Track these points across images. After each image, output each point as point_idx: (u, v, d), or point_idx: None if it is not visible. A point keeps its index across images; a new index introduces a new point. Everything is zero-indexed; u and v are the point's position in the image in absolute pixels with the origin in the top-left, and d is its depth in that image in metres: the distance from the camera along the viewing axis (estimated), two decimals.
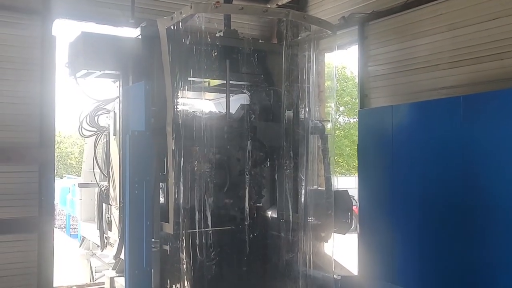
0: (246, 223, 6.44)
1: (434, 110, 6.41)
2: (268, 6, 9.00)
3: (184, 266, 5.78)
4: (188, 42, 6.03)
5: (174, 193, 5.79)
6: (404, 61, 7.48)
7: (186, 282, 5.80)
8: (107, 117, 7.03)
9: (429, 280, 6.30)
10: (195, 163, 6.10)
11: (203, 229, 5.98)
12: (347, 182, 22.83)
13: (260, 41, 8.11)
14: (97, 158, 7.42)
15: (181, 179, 5.83)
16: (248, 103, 6.68)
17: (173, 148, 5.77)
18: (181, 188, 5.81)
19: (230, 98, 6.89)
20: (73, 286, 8.25)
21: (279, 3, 9.22)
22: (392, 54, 7.70)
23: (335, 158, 26.57)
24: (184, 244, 5.79)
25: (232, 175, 6.64)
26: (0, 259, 7.14)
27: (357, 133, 7.79)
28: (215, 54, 6.42)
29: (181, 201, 5.81)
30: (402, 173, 6.73)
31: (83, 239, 10.58)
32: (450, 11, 6.84)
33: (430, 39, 7.10)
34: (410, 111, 6.83)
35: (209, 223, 6.02)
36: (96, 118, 7.01)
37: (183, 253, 5.78)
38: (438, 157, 6.26)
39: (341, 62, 28.49)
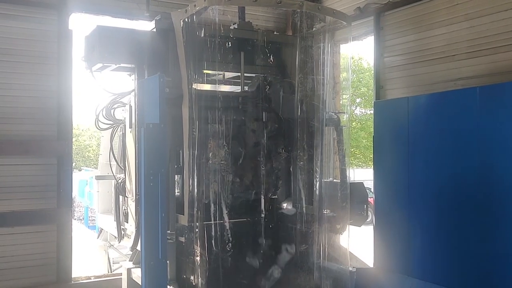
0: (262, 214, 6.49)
1: (451, 101, 6.35)
2: None
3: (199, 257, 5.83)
4: (202, 35, 6.04)
5: (189, 185, 5.84)
6: (420, 51, 7.41)
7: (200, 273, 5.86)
8: (123, 110, 7.08)
9: (445, 272, 6.27)
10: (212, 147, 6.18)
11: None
12: (364, 174, 22.73)
13: (274, 33, 8.10)
14: (114, 150, 7.49)
15: (196, 170, 5.86)
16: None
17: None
18: (196, 179, 5.85)
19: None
20: (91, 276, 8.36)
21: None
22: (408, 45, 7.62)
23: (352, 150, 26.45)
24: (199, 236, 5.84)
25: (248, 148, 6.68)
26: (20, 250, 7.29)
27: (373, 124, 7.76)
28: (229, 46, 6.43)
29: (196, 192, 5.84)
30: (418, 165, 6.69)
31: (101, 230, 10.72)
32: (467, 1, 6.74)
33: (447, 29, 7.01)
34: (426, 102, 6.77)
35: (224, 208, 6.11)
36: (112, 111, 7.07)
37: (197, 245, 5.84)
38: (454, 149, 6.20)
39: (357, 53, 28.31)
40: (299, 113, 6.62)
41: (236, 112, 6.48)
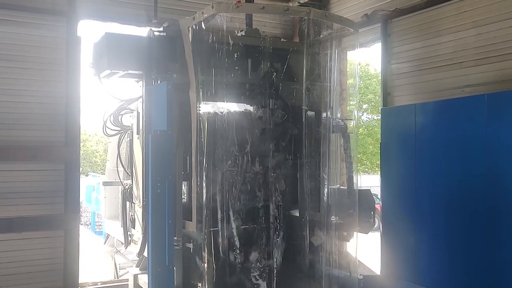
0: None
1: (458, 108, 6.34)
2: (290, 4, 8.99)
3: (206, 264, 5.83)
4: (210, 41, 6.07)
5: (196, 191, 5.85)
6: (428, 58, 7.39)
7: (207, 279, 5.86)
8: (130, 116, 7.11)
9: (453, 280, 6.24)
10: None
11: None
12: (371, 180, 22.67)
13: (282, 39, 8.12)
14: (121, 156, 7.51)
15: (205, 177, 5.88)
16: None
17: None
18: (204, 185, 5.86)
19: None
20: (98, 282, 8.38)
21: (301, 1, 9.21)
22: (416, 52, 7.61)
23: (359, 156, 26.36)
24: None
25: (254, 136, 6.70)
26: (27, 256, 7.31)
27: (380, 131, 7.75)
28: (237, 53, 6.45)
29: (204, 198, 5.84)
30: (425, 172, 6.67)
31: (108, 236, 10.73)
32: (474, 8, 6.73)
33: (454, 36, 7.00)
34: (433, 109, 6.76)
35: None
36: (119, 117, 7.10)
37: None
38: (462, 156, 6.19)
39: (364, 59, 28.28)
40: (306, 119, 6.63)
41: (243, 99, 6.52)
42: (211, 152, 6.06)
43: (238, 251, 6.14)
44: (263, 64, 6.70)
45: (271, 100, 6.66)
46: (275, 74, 6.68)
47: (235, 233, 6.10)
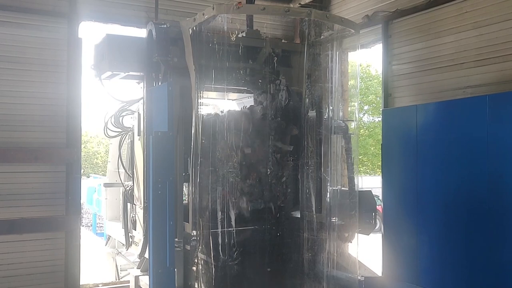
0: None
1: (459, 109, 6.32)
2: (291, 5, 8.98)
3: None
4: (210, 43, 6.07)
5: (194, 193, 5.84)
6: (429, 59, 7.39)
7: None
8: (131, 117, 7.12)
9: (454, 282, 6.22)
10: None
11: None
12: (372, 182, 22.67)
13: (282, 41, 8.12)
14: (122, 158, 7.51)
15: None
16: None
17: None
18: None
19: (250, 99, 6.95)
20: (99, 284, 8.37)
21: (302, 3, 9.20)
22: (417, 53, 7.61)
23: (360, 157, 26.34)
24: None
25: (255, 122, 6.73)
26: (28, 257, 7.31)
27: (381, 132, 7.74)
28: (237, 54, 6.45)
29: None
30: (427, 173, 6.65)
31: (109, 237, 10.73)
32: (475, 9, 6.72)
33: (455, 37, 7.00)
34: (434, 110, 6.75)
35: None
36: (120, 118, 7.11)
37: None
38: (463, 157, 6.17)
39: (365, 60, 28.27)
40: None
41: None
42: (211, 152, 6.05)
43: (237, 253, 6.13)
44: (264, 50, 6.71)
45: (272, 85, 6.64)
46: (275, 58, 6.67)
47: (234, 234, 6.09)
